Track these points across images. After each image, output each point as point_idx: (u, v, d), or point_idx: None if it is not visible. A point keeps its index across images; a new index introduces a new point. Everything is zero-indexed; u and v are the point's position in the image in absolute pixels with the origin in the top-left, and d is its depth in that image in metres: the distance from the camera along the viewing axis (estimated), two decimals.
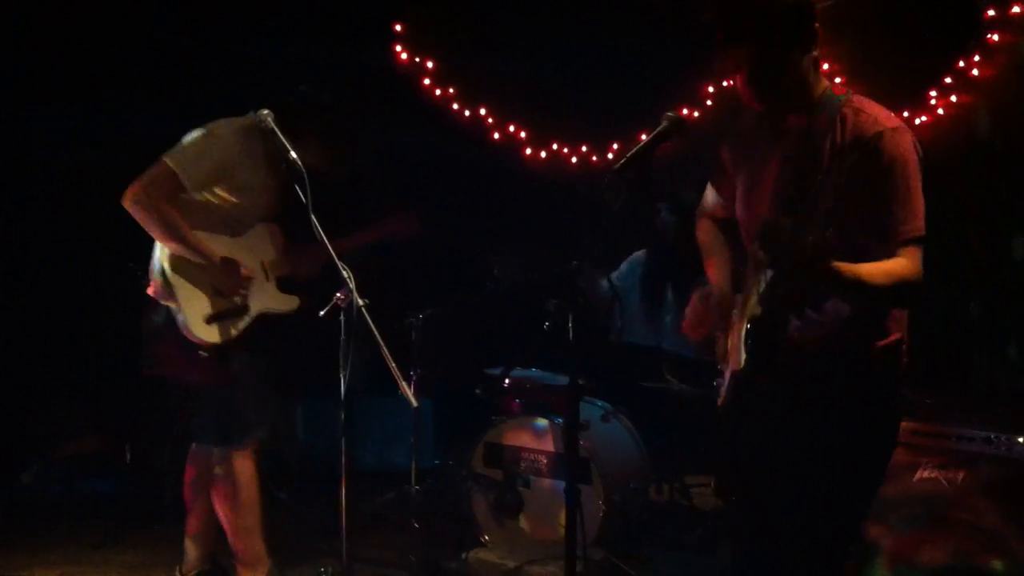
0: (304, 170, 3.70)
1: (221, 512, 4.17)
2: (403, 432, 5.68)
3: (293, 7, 6.43)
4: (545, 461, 5.04)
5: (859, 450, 2.89)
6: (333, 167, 4.12)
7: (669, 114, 2.96)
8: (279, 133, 3.79)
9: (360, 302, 3.72)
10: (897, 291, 2.70)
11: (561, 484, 4.89)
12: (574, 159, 6.95)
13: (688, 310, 3.17)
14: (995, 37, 5.80)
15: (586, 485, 4.87)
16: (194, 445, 4.27)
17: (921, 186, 2.73)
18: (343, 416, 3.91)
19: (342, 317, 4.14)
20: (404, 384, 3.62)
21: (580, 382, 5.32)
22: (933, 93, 6.03)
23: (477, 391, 5.56)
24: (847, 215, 2.73)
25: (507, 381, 5.41)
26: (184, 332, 3.90)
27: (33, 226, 4.15)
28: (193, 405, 4.18)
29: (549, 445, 5.05)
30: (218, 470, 4.13)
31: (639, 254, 6.35)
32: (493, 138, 6.96)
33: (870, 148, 2.73)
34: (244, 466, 4.13)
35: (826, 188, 2.76)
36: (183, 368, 4.03)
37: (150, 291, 3.99)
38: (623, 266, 6.37)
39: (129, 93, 6.02)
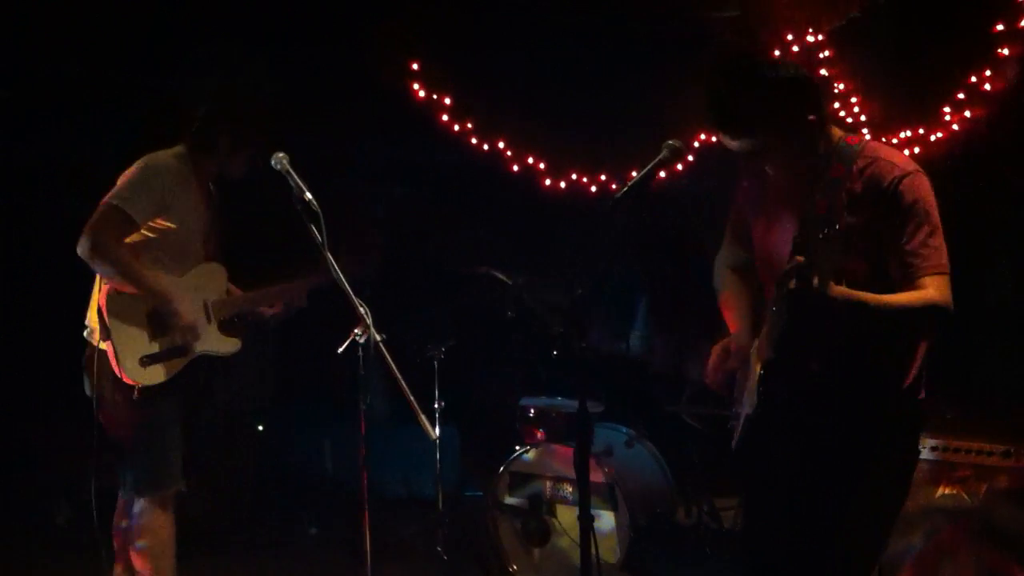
0: (319, 210, 3.73)
1: (138, 563, 4.10)
2: (429, 461, 5.71)
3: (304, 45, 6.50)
4: (570, 488, 5.05)
5: (878, 487, 2.94)
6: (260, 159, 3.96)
7: (669, 142, 3.02)
8: (294, 174, 3.81)
9: (377, 337, 3.74)
10: (923, 315, 2.80)
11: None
12: (593, 188, 6.99)
13: (709, 360, 3.25)
14: (1005, 51, 5.81)
15: (611, 511, 4.89)
16: (120, 493, 4.21)
17: (940, 226, 2.83)
18: (363, 450, 3.95)
19: (360, 353, 4.22)
20: (422, 416, 3.65)
21: (601, 408, 5.44)
22: (947, 109, 6.03)
23: (504, 421, 5.62)
24: (871, 255, 2.80)
25: (532, 410, 5.45)
26: (118, 373, 3.88)
27: (67, 269, 4.23)
28: (116, 454, 4.10)
29: (573, 472, 5.05)
30: (136, 520, 4.07)
31: (641, 302, 6.39)
32: (512, 170, 7.01)
33: (890, 193, 2.83)
34: (160, 516, 4.06)
35: (843, 235, 2.82)
36: (112, 414, 3.99)
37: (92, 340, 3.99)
38: (638, 314, 6.40)
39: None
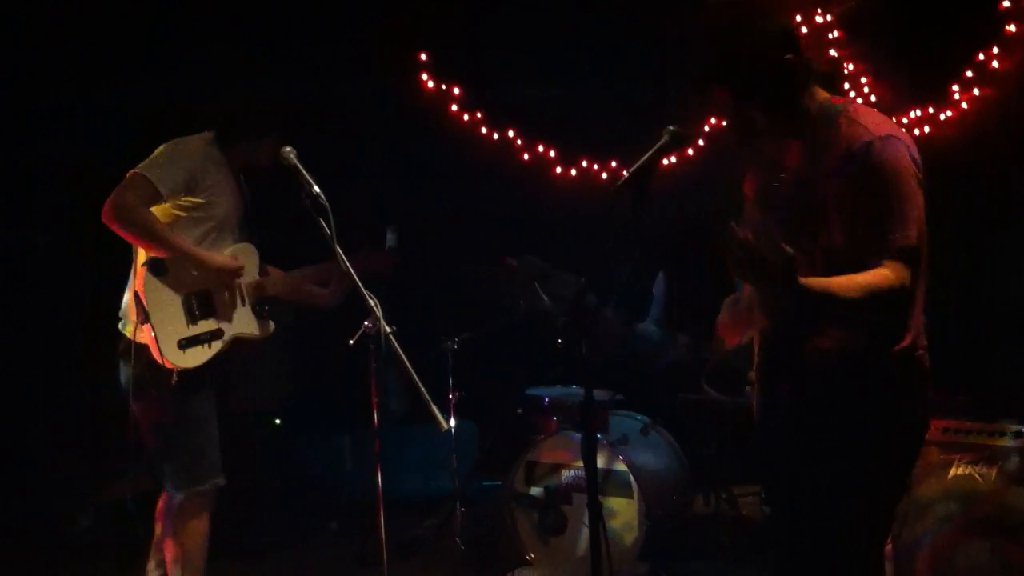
0: (327, 204, 3.74)
1: (172, 560, 4.09)
2: (448, 456, 5.73)
3: (318, 41, 6.51)
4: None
5: (880, 450, 2.90)
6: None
7: (671, 127, 3.00)
8: (302, 169, 3.82)
9: (388, 329, 3.75)
10: (874, 302, 2.71)
11: (605, 499, 4.91)
12: (604, 175, 6.99)
13: (719, 318, 3.22)
14: (1012, 28, 5.77)
15: (628, 499, 4.90)
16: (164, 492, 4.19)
17: (915, 195, 2.75)
18: (377, 445, 3.98)
19: (371, 345, 4.24)
20: (433, 407, 3.64)
21: (617, 397, 5.44)
22: (955, 88, 6.01)
23: (519, 411, 5.63)
24: (848, 226, 2.77)
25: (547, 400, 5.46)
26: (156, 357, 3.88)
27: (77, 272, 4.25)
28: (154, 449, 4.10)
29: None
30: (175, 517, 4.08)
31: (658, 282, 6.38)
32: (523, 159, 7.02)
33: (859, 158, 2.75)
34: (199, 513, 4.07)
35: (824, 203, 2.81)
36: (149, 406, 4.01)
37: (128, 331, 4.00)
38: (654, 301, 6.39)
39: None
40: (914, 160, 2.79)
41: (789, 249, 2.55)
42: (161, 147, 4.05)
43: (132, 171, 3.94)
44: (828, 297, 2.70)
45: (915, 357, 2.90)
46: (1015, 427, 3.92)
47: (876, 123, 2.82)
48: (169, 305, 3.97)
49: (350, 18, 6.47)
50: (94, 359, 5.04)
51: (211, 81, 4.72)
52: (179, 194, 3.97)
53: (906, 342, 2.86)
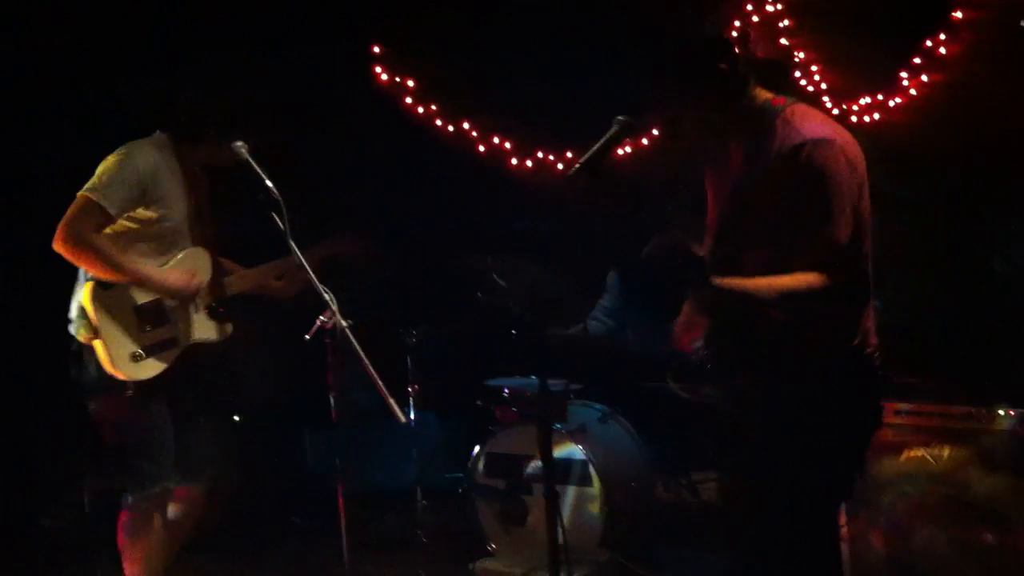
0: (281, 198, 3.73)
1: (128, 562, 4.08)
2: (409, 448, 5.74)
3: (267, 30, 6.47)
4: None
5: (827, 446, 2.94)
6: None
7: (620, 117, 3.02)
8: (254, 164, 3.81)
9: (344, 323, 3.75)
10: (792, 303, 2.78)
11: (565, 488, 4.94)
12: (560, 165, 7.00)
13: (679, 320, 3.26)
14: (958, 14, 5.84)
15: (587, 487, 4.92)
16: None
17: (845, 196, 2.78)
18: (338, 439, 3.98)
19: (327, 339, 4.24)
20: (391, 400, 3.64)
21: (575, 386, 5.47)
22: (904, 74, 6.07)
23: (478, 402, 5.63)
24: (779, 227, 2.81)
25: (507, 391, 5.47)
26: (109, 371, 3.87)
27: (47, 266, 4.21)
28: (109, 453, 4.10)
29: None
30: (127, 518, 4.06)
31: (612, 274, 6.40)
32: (479, 151, 7.02)
33: (791, 161, 2.79)
34: (152, 515, 4.05)
35: (758, 204, 2.84)
36: (103, 412, 4.00)
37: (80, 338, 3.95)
38: (605, 296, 6.41)
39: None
40: (850, 162, 2.81)
41: (698, 252, 2.62)
42: (109, 159, 3.98)
43: (80, 193, 3.88)
44: (745, 297, 2.75)
45: (864, 355, 2.95)
46: (967, 409, 3.98)
47: (812, 125, 2.85)
48: (120, 318, 3.92)
49: (304, 13, 6.43)
50: (59, 359, 5.00)
51: (176, 82, 4.66)
52: (129, 209, 3.94)
53: (855, 340, 2.90)
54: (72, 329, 3.99)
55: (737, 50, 2.93)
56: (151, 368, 3.95)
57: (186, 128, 4.12)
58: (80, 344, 3.95)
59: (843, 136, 2.86)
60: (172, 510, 4.16)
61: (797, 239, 2.78)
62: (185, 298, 4.06)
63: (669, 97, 2.96)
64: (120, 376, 3.87)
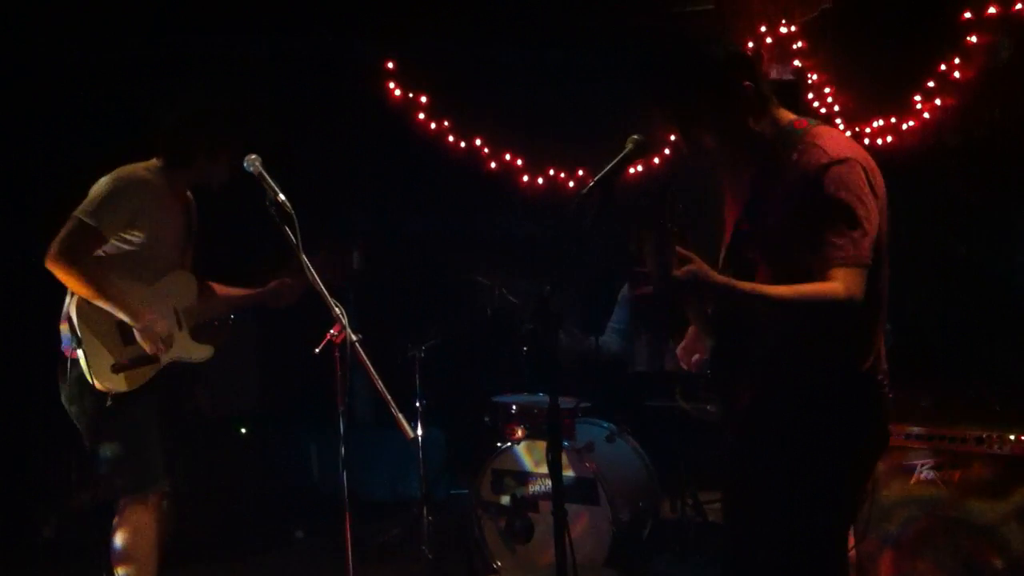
0: (292, 211, 3.73)
1: (118, 566, 4.06)
2: (414, 463, 5.73)
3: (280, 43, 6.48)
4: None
5: (830, 469, 2.92)
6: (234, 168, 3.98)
7: (635, 136, 3.00)
8: (267, 176, 3.80)
9: (353, 337, 3.75)
10: (821, 308, 2.74)
11: (573, 507, 4.92)
12: (571, 184, 7.01)
13: (683, 343, 3.26)
14: (973, 39, 5.85)
15: (594, 506, 4.91)
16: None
17: (868, 217, 2.75)
18: (343, 451, 3.96)
19: (337, 353, 4.23)
20: (399, 415, 3.65)
21: (584, 404, 5.46)
22: (918, 97, 6.08)
23: (485, 419, 5.63)
24: (795, 243, 2.80)
25: (514, 407, 5.46)
26: (90, 381, 3.90)
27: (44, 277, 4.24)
28: (98, 461, 4.08)
29: None
30: (118, 521, 4.05)
31: (624, 290, 6.41)
32: (490, 167, 7.03)
33: (816, 180, 2.77)
34: (143, 518, 4.05)
35: (777, 223, 2.84)
36: (88, 422, 4.02)
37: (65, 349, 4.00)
38: (616, 310, 6.42)
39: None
40: (871, 183, 2.80)
41: (688, 254, 2.61)
42: (102, 182, 4.02)
43: (74, 215, 3.92)
44: (757, 297, 2.74)
45: (875, 382, 2.93)
46: (978, 433, 3.97)
47: (834, 146, 2.82)
48: (103, 329, 3.96)
49: (316, 28, 6.45)
50: (52, 365, 5.00)
51: (162, 103, 4.67)
52: (120, 231, 3.98)
53: (866, 364, 2.89)
54: (61, 338, 4.04)
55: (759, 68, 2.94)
56: (129, 381, 3.98)
57: (174, 151, 4.14)
58: (63, 356, 4.01)
59: (867, 159, 2.85)
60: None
61: (816, 256, 2.77)
62: (153, 338, 4.03)
63: (690, 115, 2.93)
64: (99, 386, 3.91)
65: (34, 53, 5.94)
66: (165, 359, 4.09)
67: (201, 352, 4.30)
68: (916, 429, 4.09)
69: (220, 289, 4.45)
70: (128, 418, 4.00)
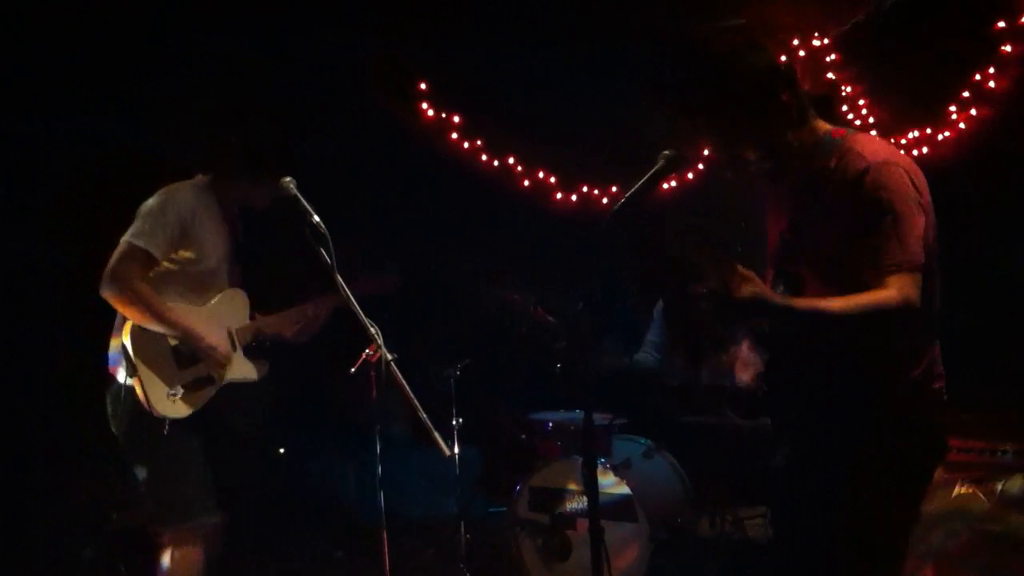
0: (327, 233, 3.75)
1: None
2: (451, 480, 5.74)
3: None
4: None
5: (888, 479, 2.91)
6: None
7: (666, 152, 3.01)
8: (302, 199, 3.82)
9: (389, 356, 3.76)
10: (874, 318, 2.73)
11: (610, 524, 4.90)
12: (604, 200, 7.01)
13: (735, 352, 3.25)
14: (1007, 48, 5.81)
15: (631, 523, 4.89)
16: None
17: (915, 217, 2.75)
18: (379, 471, 3.98)
19: (372, 373, 4.25)
20: (435, 434, 3.65)
21: (620, 420, 5.45)
22: (953, 108, 6.04)
23: (522, 436, 5.63)
24: (850, 254, 2.78)
25: (550, 424, 5.46)
26: (147, 408, 3.89)
27: (77, 302, 4.25)
28: (145, 488, 4.08)
29: None
30: (162, 553, 4.03)
31: (659, 305, 6.39)
32: (523, 185, 7.04)
33: (857, 184, 2.77)
34: (187, 550, 4.03)
35: (823, 233, 2.82)
36: (139, 449, 4.02)
37: (111, 371, 4.00)
38: (652, 325, 6.40)
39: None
40: (915, 184, 2.79)
41: (747, 272, 2.59)
42: (149, 203, 4.02)
43: (124, 239, 3.92)
44: (817, 314, 2.72)
45: (929, 390, 2.92)
46: (1020, 445, 3.93)
47: (874, 150, 2.83)
48: (158, 354, 3.97)
49: (349, 49, 6.49)
50: (99, 384, 5.03)
51: (204, 121, 4.70)
52: (171, 252, 3.99)
53: (918, 371, 2.87)
54: (111, 366, 4.04)
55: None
56: (186, 406, 3.99)
57: (220, 165, 4.17)
58: (118, 383, 3.99)
59: (908, 162, 2.85)
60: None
61: (866, 264, 2.75)
62: (218, 360, 4.07)
63: (730, 128, 2.92)
64: (156, 414, 3.90)
65: (34, 53, 5.97)
66: (222, 380, 4.11)
67: (256, 370, 4.30)
68: (956, 442, 4.06)
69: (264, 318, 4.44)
70: (178, 449, 3.99)
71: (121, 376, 3.97)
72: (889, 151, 2.87)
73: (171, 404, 3.94)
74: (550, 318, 5.56)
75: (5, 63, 5.71)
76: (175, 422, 3.95)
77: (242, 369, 4.24)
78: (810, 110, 2.98)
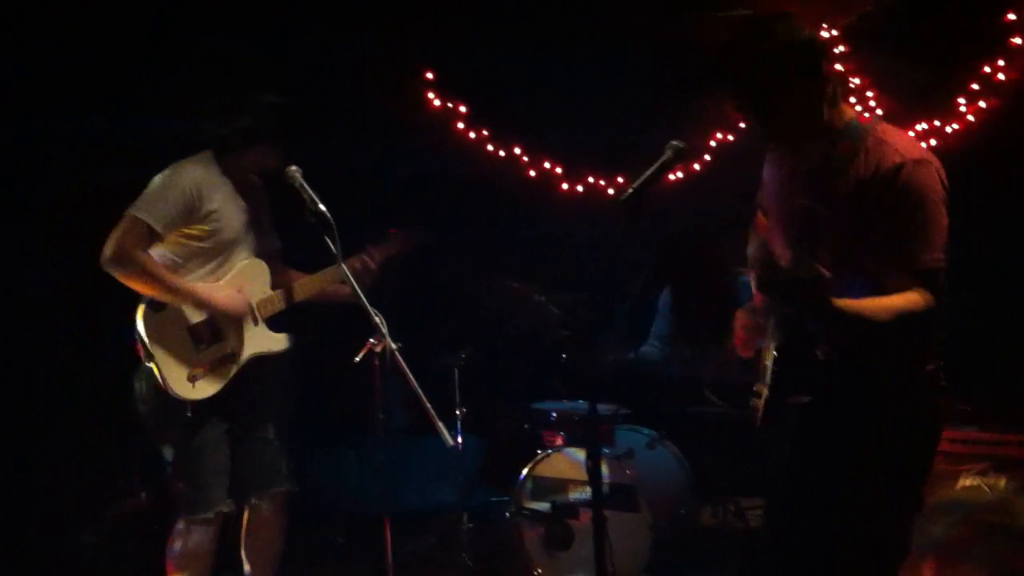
0: (332, 220, 3.74)
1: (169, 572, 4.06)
2: (454, 469, 5.74)
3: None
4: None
5: (895, 460, 2.92)
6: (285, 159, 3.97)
7: (673, 143, 3.00)
8: (307, 187, 3.81)
9: (393, 346, 3.75)
10: (902, 324, 2.75)
11: (612, 514, 4.89)
12: (611, 191, 6.99)
13: (737, 327, 3.22)
14: (1017, 40, 5.78)
15: (633, 513, 4.89)
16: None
17: (942, 218, 2.77)
18: (382, 459, 3.98)
19: (376, 362, 4.25)
20: (439, 423, 3.65)
21: (623, 410, 5.44)
22: (962, 100, 6.02)
23: (525, 426, 5.63)
24: (864, 245, 2.78)
25: (554, 414, 5.46)
26: (169, 392, 3.86)
27: (80, 289, 4.24)
28: (165, 474, 4.08)
29: None
30: (175, 539, 4.05)
31: (662, 299, 6.38)
32: (529, 175, 7.02)
33: (890, 179, 2.77)
34: (200, 538, 4.03)
35: (842, 218, 2.81)
36: (160, 431, 4.02)
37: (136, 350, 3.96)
38: (656, 317, 6.40)
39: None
40: (943, 184, 2.81)
41: (825, 271, 2.58)
42: (155, 179, 3.99)
43: (127, 212, 3.88)
44: (859, 320, 2.72)
45: (938, 386, 2.95)
46: (1021, 436, 3.92)
47: (907, 145, 2.85)
48: (174, 338, 3.92)
49: (355, 35, 6.47)
50: (99, 373, 5.01)
51: (200, 92, 4.64)
52: (178, 226, 3.93)
53: (930, 365, 2.88)
54: (137, 344, 3.99)
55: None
56: (209, 387, 3.96)
57: (220, 135, 4.09)
58: (139, 364, 3.97)
59: (937, 160, 2.86)
60: (255, 529, 4.22)
61: (899, 257, 2.76)
62: (235, 316, 4.05)
63: (775, 88, 2.87)
64: (178, 397, 3.87)
65: (34, 53, 5.95)
66: (244, 356, 4.06)
67: (279, 342, 4.22)
68: (961, 433, 4.06)
69: (296, 275, 4.35)
70: (199, 436, 3.97)
71: (145, 360, 3.93)
72: (921, 149, 2.89)
73: (191, 387, 3.90)
74: (551, 307, 5.54)
75: (5, 63, 5.72)
76: (199, 405, 3.93)
77: (265, 342, 4.16)
78: (839, 92, 2.97)
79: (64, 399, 6.06)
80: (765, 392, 3.08)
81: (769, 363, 3.05)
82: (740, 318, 3.22)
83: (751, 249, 3.37)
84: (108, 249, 3.84)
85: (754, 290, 3.04)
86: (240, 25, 6.06)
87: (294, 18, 6.19)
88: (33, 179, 6.21)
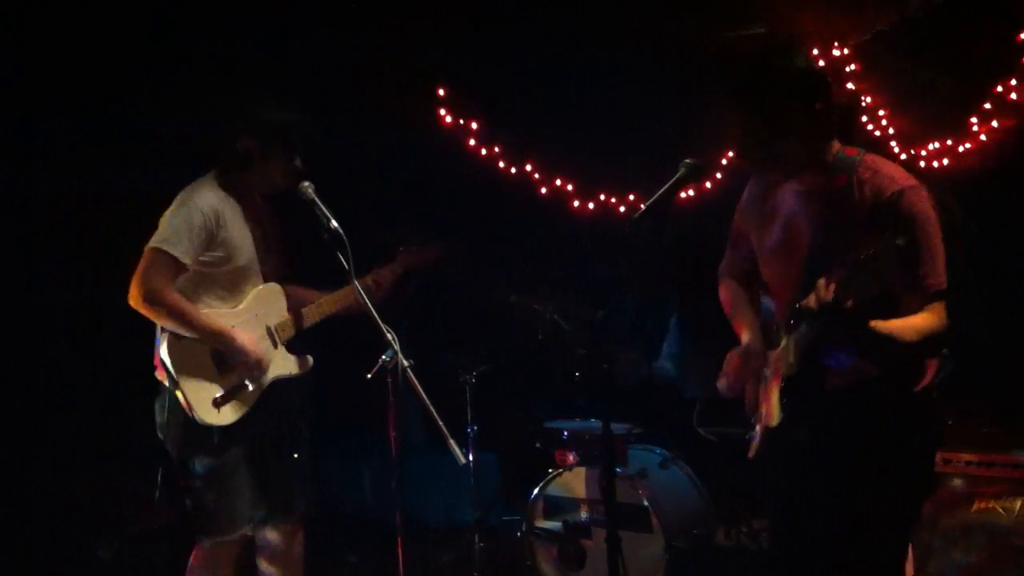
0: (346, 238, 3.74)
1: None
2: (467, 487, 5.72)
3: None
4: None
5: (896, 484, 2.94)
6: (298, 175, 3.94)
7: (687, 160, 3.02)
8: (319, 203, 3.81)
9: (405, 363, 3.74)
10: (925, 344, 2.82)
11: (626, 534, 4.87)
12: (622, 209, 6.99)
13: (727, 367, 3.24)
14: None
15: (647, 533, 4.86)
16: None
17: (940, 241, 2.83)
18: (396, 477, 3.97)
19: (389, 379, 4.24)
20: (451, 441, 3.64)
21: (636, 430, 5.43)
22: (974, 120, 6.02)
23: (537, 444, 5.61)
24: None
25: (566, 433, 5.44)
26: (194, 418, 3.83)
27: (99, 301, 4.23)
28: (187, 494, 4.04)
29: None
30: (196, 562, 4.04)
31: (673, 318, 6.38)
32: (541, 193, 7.03)
33: (891, 207, 2.81)
34: (221, 561, 4.04)
35: (850, 248, 2.83)
36: (184, 455, 3.97)
37: (159, 375, 3.94)
38: (669, 334, 6.39)
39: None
40: (935, 208, 2.86)
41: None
42: (172, 207, 3.92)
43: (149, 247, 3.82)
44: (890, 340, 2.75)
45: (933, 398, 2.98)
46: None
47: (900, 174, 2.89)
48: (198, 363, 3.88)
49: (368, 51, 6.49)
50: (119, 389, 4.99)
51: (209, 98, 4.60)
52: (201, 254, 3.89)
53: (927, 381, 2.91)
54: (157, 375, 3.96)
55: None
56: (233, 412, 3.93)
57: (228, 155, 4.03)
58: (165, 390, 3.93)
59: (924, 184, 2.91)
60: (275, 550, 4.19)
61: (908, 282, 2.80)
62: (253, 361, 3.99)
63: (775, 120, 2.91)
64: (204, 423, 3.85)
65: (34, 53, 5.97)
66: (267, 379, 4.04)
67: (301, 365, 4.22)
68: (976, 456, 4.04)
69: (312, 294, 4.31)
70: (227, 461, 3.95)
71: (167, 382, 3.89)
72: (910, 175, 2.92)
73: (217, 413, 3.87)
74: (564, 324, 5.53)
75: (5, 63, 5.75)
76: (223, 430, 3.90)
77: (286, 365, 4.15)
78: (834, 127, 2.99)
79: (83, 407, 6.06)
80: (764, 423, 3.11)
81: (775, 396, 3.06)
82: (732, 359, 3.24)
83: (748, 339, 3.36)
84: (137, 288, 3.79)
85: (784, 323, 3.02)
86: (251, 31, 6.09)
87: (306, 27, 6.23)
88: (33, 179, 6.22)
